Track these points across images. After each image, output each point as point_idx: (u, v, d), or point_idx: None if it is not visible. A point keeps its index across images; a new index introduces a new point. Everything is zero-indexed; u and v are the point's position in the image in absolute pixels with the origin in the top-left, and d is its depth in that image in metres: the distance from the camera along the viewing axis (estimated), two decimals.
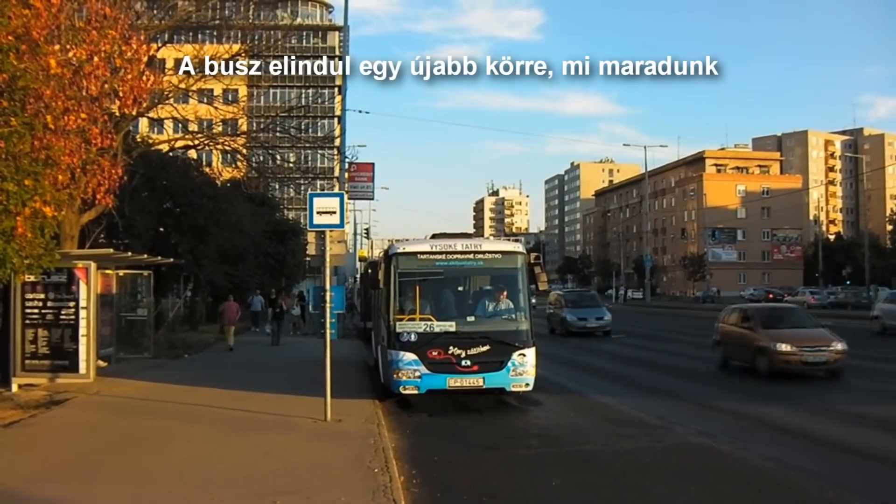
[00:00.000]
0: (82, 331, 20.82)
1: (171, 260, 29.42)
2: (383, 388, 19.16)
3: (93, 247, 26.27)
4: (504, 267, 18.78)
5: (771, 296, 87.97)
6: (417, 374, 17.51)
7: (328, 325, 16.53)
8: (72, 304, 20.88)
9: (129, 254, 25.20)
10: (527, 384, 18.06)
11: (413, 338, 17.66)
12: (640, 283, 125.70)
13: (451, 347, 17.54)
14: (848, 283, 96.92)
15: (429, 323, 17.83)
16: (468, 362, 17.47)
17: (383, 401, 18.56)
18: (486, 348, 17.64)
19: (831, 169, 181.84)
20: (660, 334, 44.84)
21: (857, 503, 10.63)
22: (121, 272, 26.47)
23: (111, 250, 24.56)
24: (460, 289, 19.59)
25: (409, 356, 17.55)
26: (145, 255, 25.97)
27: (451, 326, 17.89)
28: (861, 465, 12.99)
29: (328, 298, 16.71)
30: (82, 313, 20.85)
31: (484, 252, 18.72)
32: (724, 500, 10.85)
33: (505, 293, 18.74)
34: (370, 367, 25.51)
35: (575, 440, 15.19)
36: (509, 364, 17.73)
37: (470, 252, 18.50)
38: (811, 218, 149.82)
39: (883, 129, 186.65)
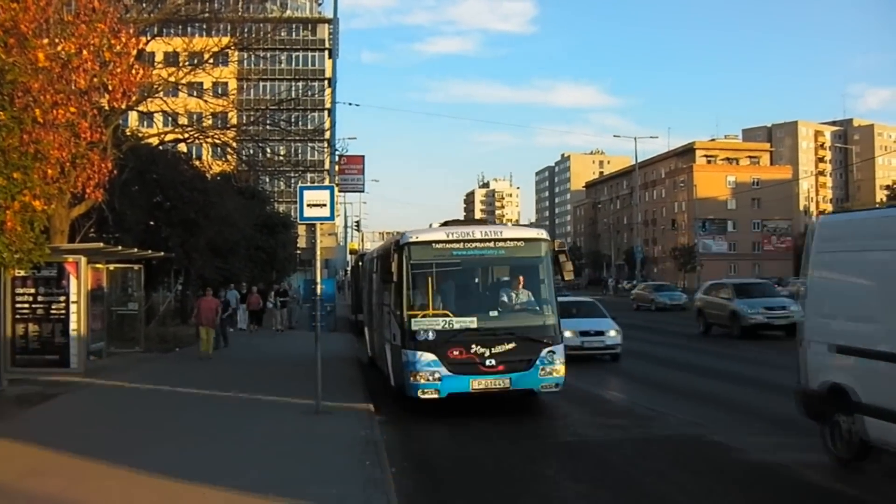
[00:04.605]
0: (73, 325, 20.84)
1: (162, 254, 29.41)
2: (395, 391, 17.63)
3: (83, 241, 26.27)
4: (527, 256, 17.20)
5: None
6: (437, 375, 15.85)
7: (318, 318, 16.50)
8: (62, 298, 20.90)
9: (120, 248, 25.19)
10: (557, 384, 16.55)
11: (431, 336, 16.00)
12: (630, 274, 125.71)
13: (473, 346, 15.94)
14: None
15: (447, 319, 16.16)
16: (493, 361, 15.91)
17: (375, 392, 18.51)
18: (511, 346, 16.08)
19: (821, 160, 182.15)
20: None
21: (850, 492, 10.66)
22: (111, 266, 26.46)
23: (101, 244, 24.57)
24: (480, 281, 18.34)
25: (428, 356, 15.89)
26: (135, 249, 25.93)
27: (471, 322, 16.25)
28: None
29: (318, 291, 16.70)
30: (73, 308, 20.87)
31: (505, 240, 17.04)
32: (716, 490, 10.87)
33: (529, 284, 17.17)
34: (363, 360, 25.45)
35: (568, 431, 15.25)
36: (538, 362, 16.19)
37: (490, 240, 16.84)
38: (801, 208, 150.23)
39: (873, 120, 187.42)
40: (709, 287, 38.86)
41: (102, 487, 10.46)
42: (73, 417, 16.06)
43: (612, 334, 25.88)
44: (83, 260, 21.10)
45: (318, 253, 16.82)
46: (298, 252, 58.11)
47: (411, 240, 16.76)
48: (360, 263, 33.22)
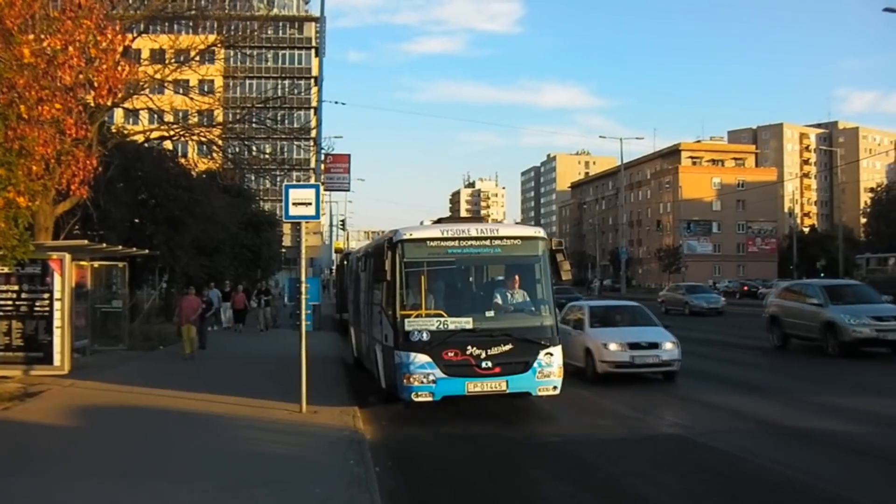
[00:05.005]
0: (57, 322, 20.75)
1: (147, 251, 29.30)
2: (386, 393, 17.04)
3: (67, 238, 26.17)
4: (524, 254, 16.59)
5: (746, 288, 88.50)
6: (432, 378, 15.26)
7: (303, 316, 16.47)
8: (46, 295, 20.81)
9: (104, 245, 25.15)
10: (554, 387, 15.95)
11: (425, 337, 15.42)
12: (615, 274, 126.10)
13: (468, 347, 15.34)
14: (822, 275, 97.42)
15: (441, 319, 15.57)
16: (489, 364, 15.33)
17: (360, 392, 18.45)
18: (508, 347, 15.51)
19: (806, 162, 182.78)
20: None
21: (829, 492, 10.69)
22: (96, 263, 26.39)
23: (86, 241, 24.49)
24: (475, 280, 17.70)
25: (422, 358, 15.29)
26: (120, 247, 25.88)
27: (467, 323, 15.68)
28: (835, 455, 13.06)
29: (304, 290, 16.68)
30: (57, 305, 20.78)
31: (502, 238, 16.44)
32: (697, 491, 10.90)
33: (526, 284, 16.64)
34: (347, 359, 25.39)
35: (551, 431, 15.24)
36: (535, 365, 15.65)
37: (486, 238, 16.25)
38: (786, 210, 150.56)
39: (858, 123, 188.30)
40: (786, 289, 31.56)
41: (85, 486, 10.41)
42: (55, 415, 15.95)
43: (668, 347, 20.90)
44: (67, 257, 21.02)
45: (304, 251, 16.78)
46: (283, 251, 58.07)
47: (405, 237, 16.10)
48: (346, 262, 33.07)
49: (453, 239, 16.14)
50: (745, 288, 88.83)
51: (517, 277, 16.70)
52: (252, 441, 13.25)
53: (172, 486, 10.37)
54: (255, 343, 32.79)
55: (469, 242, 16.13)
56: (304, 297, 16.62)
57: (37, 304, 20.86)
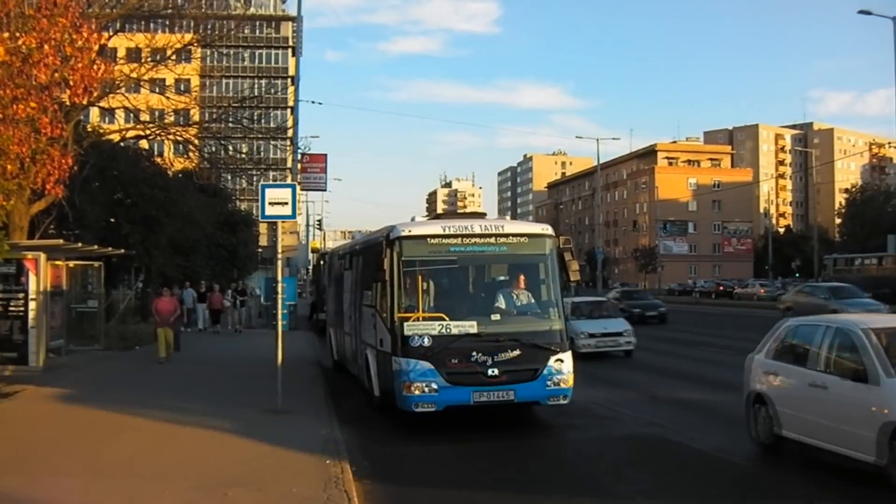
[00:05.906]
0: (31, 322, 20.69)
1: (122, 251, 29.19)
2: (379, 402, 16.10)
3: (42, 237, 26.05)
4: (531, 253, 15.59)
5: (721, 288, 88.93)
6: (434, 387, 14.19)
7: (279, 316, 16.43)
8: (21, 295, 20.75)
9: (80, 245, 25.05)
10: (565, 396, 14.92)
11: (427, 342, 14.33)
12: (591, 275, 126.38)
13: (473, 353, 14.28)
14: (797, 275, 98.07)
15: (444, 323, 14.45)
16: (496, 371, 14.26)
17: (337, 394, 18.42)
18: (516, 353, 14.42)
19: (781, 163, 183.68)
20: None
21: (802, 491, 10.77)
22: (71, 263, 26.24)
23: (61, 241, 24.39)
24: (479, 280, 16.50)
25: (424, 365, 14.21)
26: (96, 246, 25.78)
27: (471, 327, 14.56)
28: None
29: (280, 290, 16.64)
30: (31, 305, 20.73)
31: (507, 235, 15.37)
32: (673, 489, 10.96)
33: (533, 285, 15.67)
34: (325, 361, 25.30)
35: (525, 431, 15.23)
36: (545, 372, 14.61)
37: (490, 235, 15.20)
38: (761, 211, 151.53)
39: (833, 124, 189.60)
40: None
41: (60, 485, 10.37)
42: (30, 415, 15.93)
43: None
44: (42, 257, 20.94)
45: (280, 251, 16.76)
46: (260, 250, 57.93)
47: (403, 234, 14.90)
48: (322, 262, 33.00)
49: (456, 236, 15.12)
50: (721, 288, 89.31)
51: (524, 278, 15.67)
52: (228, 442, 13.21)
53: (146, 486, 10.34)
54: (230, 344, 32.67)
55: (472, 240, 15.12)
56: (280, 296, 16.57)
57: (11, 304, 20.78)
